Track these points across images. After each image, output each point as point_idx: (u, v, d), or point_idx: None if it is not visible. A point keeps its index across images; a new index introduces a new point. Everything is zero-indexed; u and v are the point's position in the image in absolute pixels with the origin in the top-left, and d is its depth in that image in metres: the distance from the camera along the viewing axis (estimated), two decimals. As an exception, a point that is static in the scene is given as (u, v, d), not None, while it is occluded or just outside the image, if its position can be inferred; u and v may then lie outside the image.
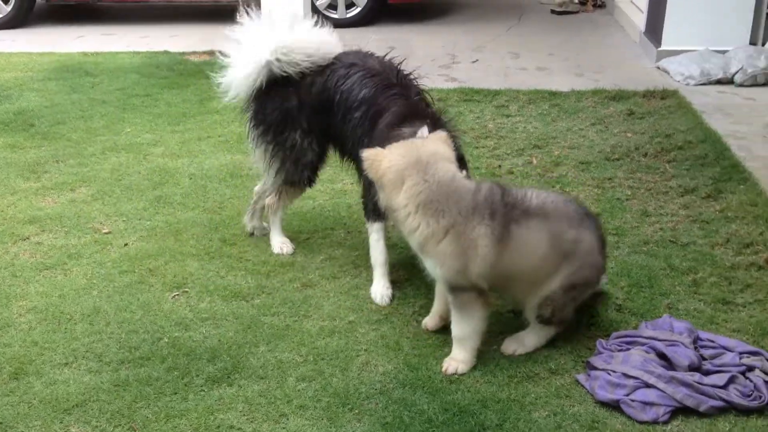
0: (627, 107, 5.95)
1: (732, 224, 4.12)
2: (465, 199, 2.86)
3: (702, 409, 2.76)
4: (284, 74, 3.57)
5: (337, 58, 3.62)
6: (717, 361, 2.98)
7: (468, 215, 2.84)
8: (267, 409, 2.83)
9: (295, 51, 3.53)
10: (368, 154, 2.88)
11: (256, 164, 3.85)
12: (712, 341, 3.09)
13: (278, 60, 3.53)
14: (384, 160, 2.85)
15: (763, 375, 2.88)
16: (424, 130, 3.05)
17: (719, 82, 6.65)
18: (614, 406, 2.82)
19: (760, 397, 2.80)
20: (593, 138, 5.39)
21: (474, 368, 3.02)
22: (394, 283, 3.60)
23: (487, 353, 3.09)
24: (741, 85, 6.53)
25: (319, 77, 3.59)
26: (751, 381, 2.86)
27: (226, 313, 3.39)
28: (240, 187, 4.61)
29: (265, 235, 3.99)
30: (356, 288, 3.58)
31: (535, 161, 5.01)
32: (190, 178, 4.74)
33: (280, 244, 3.88)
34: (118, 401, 2.88)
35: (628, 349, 2.98)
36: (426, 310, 3.37)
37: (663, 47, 7.16)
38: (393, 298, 3.48)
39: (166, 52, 7.51)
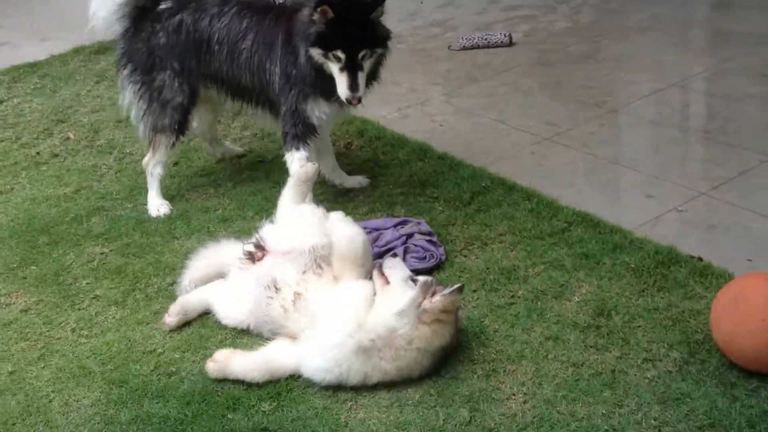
0: (116, 57, 5.71)
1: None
2: None
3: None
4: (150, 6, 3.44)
5: None
6: (381, 242, 3.18)
7: None
8: None
9: None
10: None
11: (127, 111, 3.66)
12: (365, 227, 3.28)
13: None
14: None
15: (423, 236, 3.16)
16: None
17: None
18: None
19: (433, 255, 3.09)
20: (111, 95, 5.08)
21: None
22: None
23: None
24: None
25: (188, 16, 3.42)
26: (417, 246, 3.13)
27: None
28: None
29: (239, 156, 4.02)
30: None
31: (71, 136, 4.59)
32: None
33: (157, 205, 3.66)
34: None
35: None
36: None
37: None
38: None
39: None
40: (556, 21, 5.50)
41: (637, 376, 2.46)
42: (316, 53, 3.07)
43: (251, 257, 2.86)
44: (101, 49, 5.88)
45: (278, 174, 3.87)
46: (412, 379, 2.51)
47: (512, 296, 2.86)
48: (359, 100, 3.05)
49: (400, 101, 4.55)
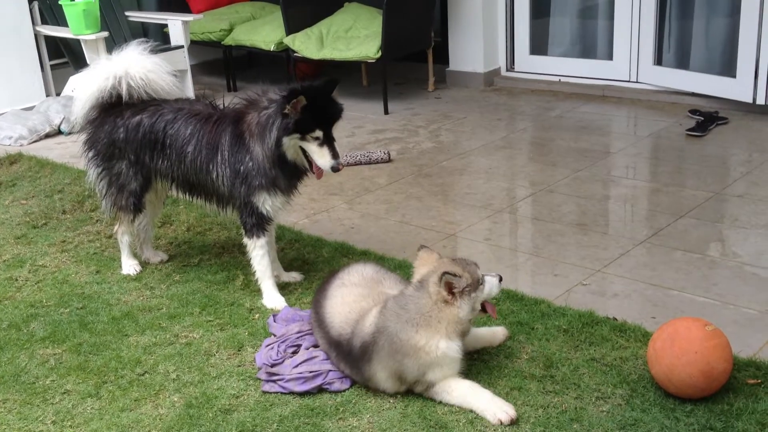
0: (-12, 179, 5.72)
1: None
2: None
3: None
4: (118, 102, 3.89)
5: (168, 103, 3.89)
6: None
7: None
8: None
9: (153, 72, 3.91)
10: None
11: (91, 187, 4.19)
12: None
13: (131, 78, 3.85)
14: None
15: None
16: None
17: (47, 135, 6.82)
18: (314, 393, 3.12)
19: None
20: (-5, 215, 5.10)
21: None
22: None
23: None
24: (70, 133, 6.78)
25: (147, 119, 3.84)
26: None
27: None
28: None
29: (163, 262, 4.31)
30: None
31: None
32: None
33: (130, 265, 4.21)
34: None
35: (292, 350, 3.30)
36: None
37: None
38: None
39: None
40: (422, 142, 6.17)
41: (595, 411, 2.90)
42: (291, 140, 3.51)
43: None
44: (-28, 172, 5.85)
45: (210, 275, 4.12)
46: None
47: (470, 359, 3.25)
48: (342, 166, 3.56)
49: (306, 209, 4.93)
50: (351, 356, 3.06)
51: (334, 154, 3.53)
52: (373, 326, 3.00)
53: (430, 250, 3.12)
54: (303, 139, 3.51)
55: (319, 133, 3.49)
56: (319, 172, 3.60)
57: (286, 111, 3.46)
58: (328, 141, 3.52)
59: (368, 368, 3.01)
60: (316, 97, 3.48)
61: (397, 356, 2.95)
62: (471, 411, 2.93)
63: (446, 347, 2.94)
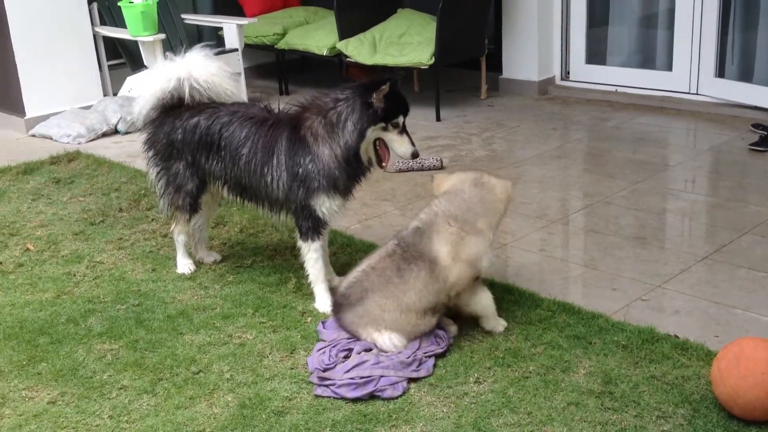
0: (49, 177, 5.81)
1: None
2: None
3: (422, 374, 3.23)
4: (179, 103, 3.94)
5: (224, 106, 3.93)
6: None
7: None
8: None
9: (216, 76, 3.97)
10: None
11: (151, 184, 4.20)
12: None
13: (195, 80, 3.90)
14: None
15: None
16: None
17: (104, 134, 6.90)
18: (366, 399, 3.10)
19: (442, 338, 3.40)
20: (55, 211, 5.17)
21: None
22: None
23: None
24: (127, 133, 6.87)
25: (204, 120, 3.88)
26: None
27: None
28: None
29: (217, 262, 4.33)
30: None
31: (31, 247, 4.62)
32: None
33: (184, 264, 4.24)
34: None
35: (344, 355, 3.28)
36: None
37: (29, 116, 7.05)
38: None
39: None
40: (475, 149, 6.13)
41: (656, 430, 2.83)
42: (374, 131, 3.58)
43: None
44: (28, 169, 5.96)
45: (263, 276, 4.13)
46: None
47: (525, 371, 3.20)
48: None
49: (358, 215, 4.91)
50: (409, 247, 3.33)
51: (412, 141, 3.66)
52: (424, 217, 3.38)
53: (440, 175, 3.57)
54: (385, 128, 3.59)
55: (401, 119, 3.60)
56: (388, 162, 3.71)
57: (371, 100, 3.52)
58: (405, 129, 3.63)
59: (429, 248, 3.29)
60: (393, 86, 3.55)
61: (461, 233, 3.27)
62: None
63: (491, 238, 3.37)
